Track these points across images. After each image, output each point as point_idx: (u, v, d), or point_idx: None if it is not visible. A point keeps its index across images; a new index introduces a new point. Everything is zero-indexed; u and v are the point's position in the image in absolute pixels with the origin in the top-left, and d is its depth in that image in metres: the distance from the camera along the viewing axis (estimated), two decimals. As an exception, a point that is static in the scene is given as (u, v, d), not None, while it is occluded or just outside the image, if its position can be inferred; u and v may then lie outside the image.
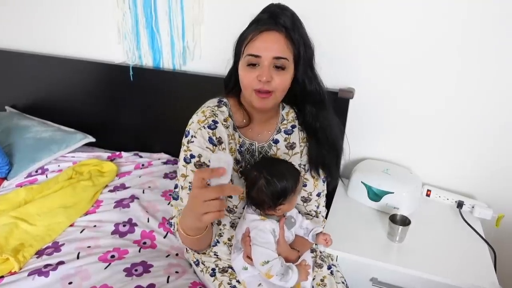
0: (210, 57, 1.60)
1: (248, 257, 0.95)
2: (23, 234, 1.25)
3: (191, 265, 1.17)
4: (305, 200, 1.11)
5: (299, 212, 1.08)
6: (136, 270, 1.11)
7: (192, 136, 0.96)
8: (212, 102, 1.03)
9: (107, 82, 1.78)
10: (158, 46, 1.65)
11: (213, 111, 0.99)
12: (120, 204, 1.40)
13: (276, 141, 1.06)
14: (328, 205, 1.22)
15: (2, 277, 1.09)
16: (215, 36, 1.56)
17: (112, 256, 1.16)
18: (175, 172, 1.63)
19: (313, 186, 1.10)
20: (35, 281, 1.06)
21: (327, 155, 1.06)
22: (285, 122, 1.08)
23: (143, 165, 1.67)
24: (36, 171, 1.64)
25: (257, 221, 0.94)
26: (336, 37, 1.37)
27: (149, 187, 1.52)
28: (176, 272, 1.11)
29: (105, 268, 1.11)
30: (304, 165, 1.09)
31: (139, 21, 1.61)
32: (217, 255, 1.08)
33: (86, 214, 1.37)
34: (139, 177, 1.59)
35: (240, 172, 1.01)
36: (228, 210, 1.02)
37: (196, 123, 0.97)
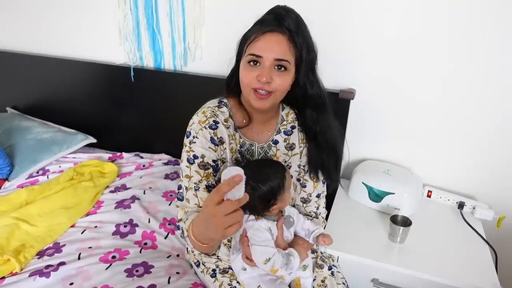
0: (211, 58, 1.61)
1: (247, 258, 0.95)
2: (24, 235, 1.25)
3: (191, 266, 1.17)
4: (305, 201, 1.12)
5: (300, 213, 1.08)
6: (137, 271, 1.11)
7: (194, 137, 0.97)
8: (213, 102, 1.03)
9: (108, 83, 1.79)
10: (159, 47, 1.65)
11: (213, 111, 0.99)
12: (121, 204, 1.40)
13: (275, 142, 1.06)
14: (328, 206, 1.23)
15: (3, 278, 1.09)
16: (216, 37, 1.56)
17: (113, 257, 1.16)
18: (176, 172, 1.63)
19: (313, 187, 1.10)
20: (36, 282, 1.06)
21: (326, 159, 1.06)
22: (284, 123, 1.08)
23: (144, 165, 1.68)
24: (37, 172, 1.64)
25: (252, 221, 0.95)
26: (337, 38, 1.37)
27: (150, 187, 1.52)
28: (177, 272, 1.11)
29: (106, 268, 1.11)
30: (304, 166, 1.09)
31: (140, 22, 1.62)
32: (218, 256, 1.08)
33: (87, 214, 1.37)
34: (140, 177, 1.59)
35: None
36: None
37: (197, 124, 0.97)
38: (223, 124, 0.99)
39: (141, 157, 1.76)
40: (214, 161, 0.97)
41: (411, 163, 1.48)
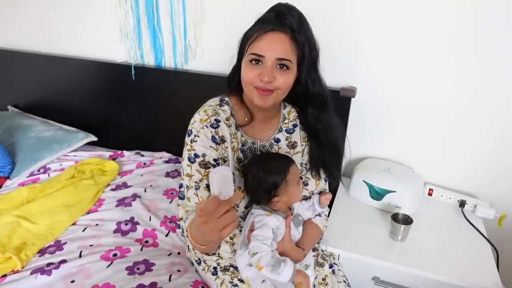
0: (212, 56, 1.60)
1: None
2: (26, 233, 1.25)
3: (192, 263, 1.17)
4: (307, 199, 1.11)
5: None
6: (138, 269, 1.11)
7: (195, 135, 0.97)
8: (214, 101, 1.03)
9: (109, 81, 1.79)
10: (160, 45, 1.65)
11: (215, 110, 0.99)
12: (122, 203, 1.40)
13: (277, 140, 1.06)
14: (329, 204, 1.22)
15: (5, 275, 1.09)
16: (216, 35, 1.56)
17: (114, 255, 1.16)
18: (177, 171, 1.63)
19: (315, 185, 1.10)
20: (38, 280, 1.07)
21: (328, 157, 1.06)
22: (286, 121, 1.08)
23: (145, 164, 1.68)
24: (39, 170, 1.64)
25: (262, 215, 0.95)
26: (338, 36, 1.37)
27: (151, 185, 1.52)
28: (178, 270, 1.12)
29: (107, 266, 1.11)
30: (306, 164, 1.09)
31: (141, 20, 1.62)
32: (219, 254, 1.08)
33: (88, 212, 1.37)
34: (141, 176, 1.59)
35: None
36: None
37: (198, 122, 0.97)
38: (224, 122, 0.98)
39: (142, 155, 1.76)
40: (215, 160, 0.97)
41: (412, 161, 1.48)
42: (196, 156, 0.96)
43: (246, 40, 0.94)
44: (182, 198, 0.98)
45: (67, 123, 1.90)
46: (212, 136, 0.97)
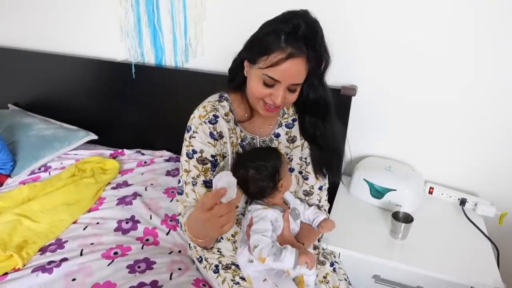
0: (212, 55, 1.60)
1: None
2: (27, 231, 1.25)
3: (193, 262, 1.17)
4: (307, 193, 1.12)
5: (302, 201, 1.09)
6: (139, 267, 1.11)
7: (194, 132, 0.97)
8: (213, 97, 1.04)
9: (109, 80, 1.79)
10: (160, 44, 1.65)
11: (214, 105, 1.00)
12: (122, 201, 1.40)
13: (277, 135, 1.07)
14: (330, 203, 1.22)
15: (6, 273, 1.10)
16: (217, 33, 1.56)
17: (115, 253, 1.17)
18: (177, 169, 1.63)
19: (315, 179, 1.10)
20: (39, 278, 1.07)
21: (329, 159, 1.08)
22: (286, 116, 1.09)
23: (145, 162, 1.68)
24: (39, 169, 1.64)
25: (260, 210, 0.96)
26: (338, 34, 1.36)
27: (152, 184, 1.52)
28: (179, 269, 1.12)
29: (108, 265, 1.11)
30: (306, 159, 1.09)
31: (141, 19, 1.62)
32: (220, 252, 1.08)
33: (89, 211, 1.37)
34: (142, 174, 1.59)
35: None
36: None
37: (197, 118, 0.98)
38: (223, 118, 0.99)
39: (143, 154, 1.76)
40: (212, 156, 0.97)
41: (413, 159, 1.48)
42: (194, 152, 0.96)
43: (263, 50, 0.88)
44: (180, 194, 0.99)
45: (68, 122, 1.90)
46: (210, 132, 0.97)
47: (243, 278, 1.03)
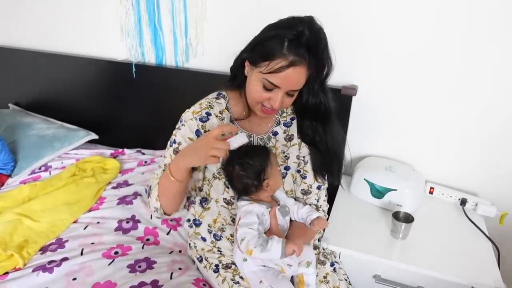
0: (213, 54, 1.60)
1: None
2: (27, 230, 1.25)
3: (194, 261, 1.17)
4: (305, 192, 1.12)
5: (296, 199, 1.09)
6: (139, 267, 1.11)
7: (182, 124, 1.02)
8: (212, 95, 1.06)
9: (109, 79, 1.79)
10: (161, 43, 1.65)
11: (209, 102, 1.02)
12: (123, 201, 1.40)
13: (275, 133, 1.07)
14: (330, 202, 1.22)
15: (7, 273, 1.10)
16: (217, 33, 1.56)
17: (116, 253, 1.17)
18: (178, 169, 1.63)
19: (313, 178, 1.10)
20: (40, 277, 1.07)
21: (329, 163, 1.08)
22: (284, 114, 1.09)
23: (145, 162, 1.68)
24: (40, 168, 1.64)
25: (246, 205, 0.97)
26: (339, 34, 1.36)
27: (152, 184, 1.52)
28: (180, 268, 1.12)
29: (109, 264, 1.11)
30: (304, 157, 1.09)
31: (142, 18, 1.61)
32: (220, 251, 1.09)
33: (89, 210, 1.37)
34: (142, 174, 1.59)
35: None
36: (226, 202, 1.04)
37: (190, 113, 1.02)
38: (216, 116, 1.01)
39: (143, 154, 1.76)
40: None
41: (413, 159, 1.47)
42: (174, 142, 1.01)
43: (265, 53, 0.88)
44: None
45: (68, 121, 1.90)
46: (197, 129, 1.00)
47: (243, 278, 1.03)
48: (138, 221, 1.31)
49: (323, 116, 1.02)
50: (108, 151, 1.76)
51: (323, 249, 1.16)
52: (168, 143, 1.03)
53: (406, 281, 1.17)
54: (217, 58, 1.58)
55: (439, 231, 1.26)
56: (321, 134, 1.04)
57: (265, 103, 0.94)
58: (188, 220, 1.15)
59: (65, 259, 1.13)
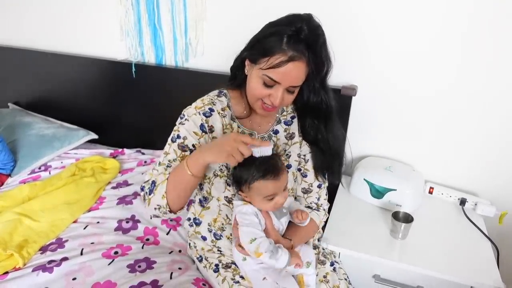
0: (213, 54, 1.60)
1: (240, 246, 0.96)
2: (27, 230, 1.25)
3: (193, 261, 1.17)
4: (306, 191, 1.11)
5: (296, 198, 1.09)
6: (139, 266, 1.11)
7: (185, 119, 1.00)
8: (213, 92, 1.06)
9: (109, 79, 1.79)
10: (161, 43, 1.64)
11: (212, 99, 1.02)
12: (123, 200, 1.40)
13: (276, 132, 1.07)
14: (330, 202, 1.22)
15: (7, 272, 1.10)
16: (217, 33, 1.56)
17: (116, 253, 1.17)
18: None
19: (314, 177, 1.10)
20: (39, 277, 1.07)
21: (331, 162, 1.08)
22: (285, 113, 1.09)
23: (145, 162, 1.68)
24: (39, 168, 1.64)
25: (240, 206, 0.96)
26: (339, 34, 1.36)
27: (152, 184, 1.52)
28: (179, 268, 1.12)
29: (109, 264, 1.11)
30: (304, 156, 1.10)
31: (142, 18, 1.61)
32: (220, 251, 1.09)
33: (89, 210, 1.37)
34: (142, 174, 1.59)
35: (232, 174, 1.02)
36: (227, 200, 1.04)
37: (193, 108, 1.01)
38: (219, 113, 1.00)
39: (143, 153, 1.76)
40: (193, 145, 0.98)
41: (413, 159, 1.48)
42: (178, 137, 0.99)
43: (264, 50, 0.89)
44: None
45: (68, 121, 1.90)
46: (201, 124, 0.99)
47: (243, 277, 1.03)
48: (138, 221, 1.31)
49: (324, 114, 1.02)
50: (108, 151, 1.76)
51: (323, 249, 1.17)
52: (169, 139, 1.01)
53: (406, 281, 1.17)
54: (217, 58, 1.58)
55: (439, 231, 1.26)
56: (323, 132, 1.04)
57: (266, 100, 0.94)
58: (188, 219, 1.15)
59: (65, 259, 1.13)
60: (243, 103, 1.04)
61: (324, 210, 1.14)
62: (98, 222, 1.31)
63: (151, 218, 1.33)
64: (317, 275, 1.06)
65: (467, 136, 1.38)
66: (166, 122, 1.74)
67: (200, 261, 1.12)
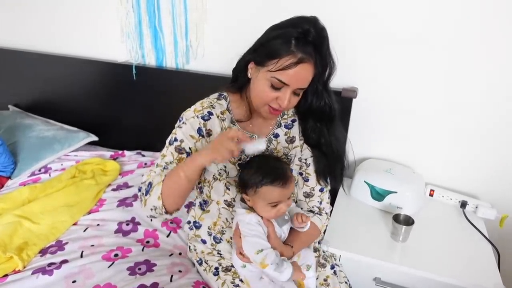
0: (213, 56, 1.60)
1: (241, 253, 0.96)
2: (27, 232, 1.25)
3: (194, 264, 1.17)
4: (308, 195, 1.11)
5: (302, 208, 1.09)
6: (139, 269, 1.11)
7: (183, 122, 1.00)
8: (213, 95, 1.06)
9: (110, 81, 1.79)
10: (161, 45, 1.65)
11: (211, 103, 1.01)
12: (123, 203, 1.40)
13: (276, 135, 1.07)
14: (331, 205, 1.22)
15: (6, 275, 1.09)
16: (218, 35, 1.56)
17: (116, 255, 1.16)
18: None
19: (315, 181, 1.10)
20: (39, 280, 1.07)
21: (333, 166, 1.08)
22: (285, 116, 1.09)
23: (145, 164, 1.67)
24: (39, 170, 1.64)
25: (243, 215, 0.96)
26: (339, 36, 1.35)
27: (152, 186, 1.51)
28: (179, 271, 1.12)
29: (109, 266, 1.11)
30: (306, 160, 1.09)
31: (142, 20, 1.62)
32: (220, 254, 1.08)
33: (89, 213, 1.37)
34: (142, 176, 1.58)
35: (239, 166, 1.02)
36: (227, 203, 1.04)
37: (192, 111, 1.00)
38: (218, 116, 1.00)
39: (143, 155, 1.76)
40: (190, 148, 0.98)
41: (414, 162, 1.48)
42: (175, 140, 0.99)
43: (272, 52, 0.89)
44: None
45: (68, 123, 1.90)
46: (198, 127, 0.98)
47: (242, 281, 1.02)
48: (138, 223, 1.30)
49: (327, 117, 1.02)
50: (108, 153, 1.76)
51: (323, 252, 1.16)
52: (167, 141, 1.01)
53: (407, 283, 1.16)
54: (218, 60, 1.58)
55: (440, 234, 1.26)
56: (326, 136, 1.04)
57: (273, 104, 0.94)
58: (188, 222, 1.15)
59: (65, 261, 1.13)
60: (243, 106, 1.04)
61: (326, 214, 1.13)
62: (98, 225, 1.30)
63: (151, 220, 1.33)
64: (317, 278, 1.06)
65: (468, 138, 1.37)
66: (166, 124, 1.74)
67: (200, 264, 1.11)
